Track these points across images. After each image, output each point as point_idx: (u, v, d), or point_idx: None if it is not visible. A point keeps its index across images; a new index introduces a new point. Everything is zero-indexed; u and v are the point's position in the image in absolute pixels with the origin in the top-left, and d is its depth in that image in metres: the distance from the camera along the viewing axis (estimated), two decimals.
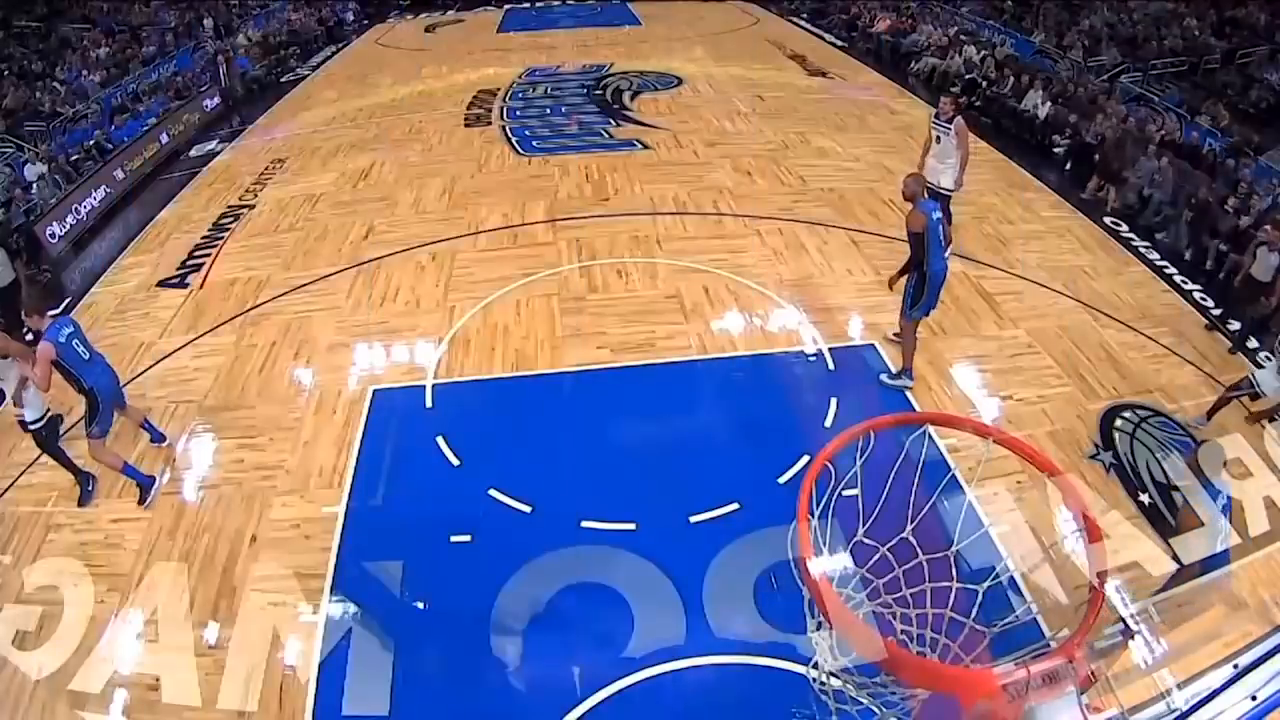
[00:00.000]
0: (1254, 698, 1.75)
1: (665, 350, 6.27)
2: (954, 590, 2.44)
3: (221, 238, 8.67)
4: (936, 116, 7.24)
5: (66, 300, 7.76)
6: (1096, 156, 9.75)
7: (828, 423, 5.44)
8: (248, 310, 7.13)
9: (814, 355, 6.21)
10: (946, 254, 5.48)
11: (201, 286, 7.67)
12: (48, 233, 8.89)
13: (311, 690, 3.86)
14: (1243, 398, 5.45)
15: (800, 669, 3.67)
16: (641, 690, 3.80)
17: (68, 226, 9.25)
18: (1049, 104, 11.18)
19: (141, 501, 5.04)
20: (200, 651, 4.06)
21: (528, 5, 22.30)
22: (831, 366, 6.08)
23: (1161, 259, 7.95)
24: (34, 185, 9.92)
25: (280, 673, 3.96)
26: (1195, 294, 7.31)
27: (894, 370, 5.91)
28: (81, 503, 5.09)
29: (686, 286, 7.09)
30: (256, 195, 9.80)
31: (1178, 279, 7.57)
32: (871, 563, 2.60)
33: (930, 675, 2.08)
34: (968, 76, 13.07)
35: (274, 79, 15.86)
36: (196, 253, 8.37)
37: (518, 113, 12.53)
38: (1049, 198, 9.29)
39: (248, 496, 5.06)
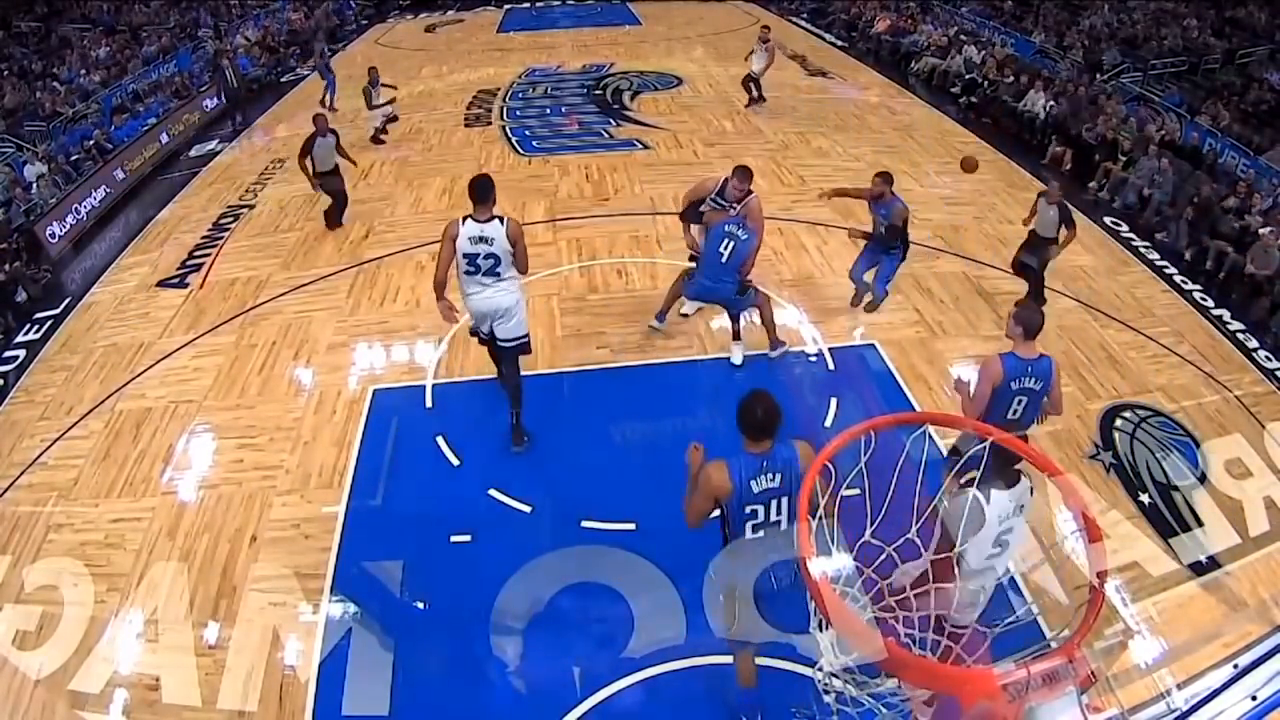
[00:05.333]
0: (1254, 698, 1.75)
1: (665, 350, 6.27)
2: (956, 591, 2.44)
3: (221, 238, 8.67)
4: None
5: (66, 300, 7.77)
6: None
7: (828, 423, 5.45)
8: (248, 310, 7.13)
9: (814, 355, 6.21)
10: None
11: (201, 286, 7.66)
12: (48, 233, 8.89)
13: (311, 690, 3.86)
14: None
15: (800, 669, 3.68)
16: (641, 690, 3.80)
17: (68, 226, 9.25)
18: (1049, 104, 11.18)
19: None
20: (200, 651, 4.06)
21: (528, 5, 22.29)
22: (831, 366, 6.08)
23: (1161, 259, 7.95)
24: (34, 185, 9.92)
25: (280, 673, 3.96)
26: (1195, 294, 7.32)
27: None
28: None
29: None
30: (256, 195, 9.80)
31: (1178, 279, 7.58)
32: (876, 564, 2.60)
33: (930, 675, 2.08)
34: (968, 76, 13.07)
35: (274, 79, 15.85)
36: (196, 253, 8.37)
37: (518, 113, 12.53)
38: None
39: (248, 496, 5.07)
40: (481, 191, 4.52)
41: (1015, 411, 4.02)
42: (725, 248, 5.38)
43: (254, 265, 7.96)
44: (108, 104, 12.96)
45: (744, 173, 5.63)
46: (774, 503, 3.03)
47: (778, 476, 3.01)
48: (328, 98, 13.09)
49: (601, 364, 6.13)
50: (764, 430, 3.03)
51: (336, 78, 13.31)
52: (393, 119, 11.53)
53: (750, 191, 5.64)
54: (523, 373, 5.19)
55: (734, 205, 5.63)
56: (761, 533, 3.06)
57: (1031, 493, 3.11)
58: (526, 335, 4.97)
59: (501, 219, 4.53)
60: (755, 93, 12.13)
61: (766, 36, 11.87)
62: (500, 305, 4.74)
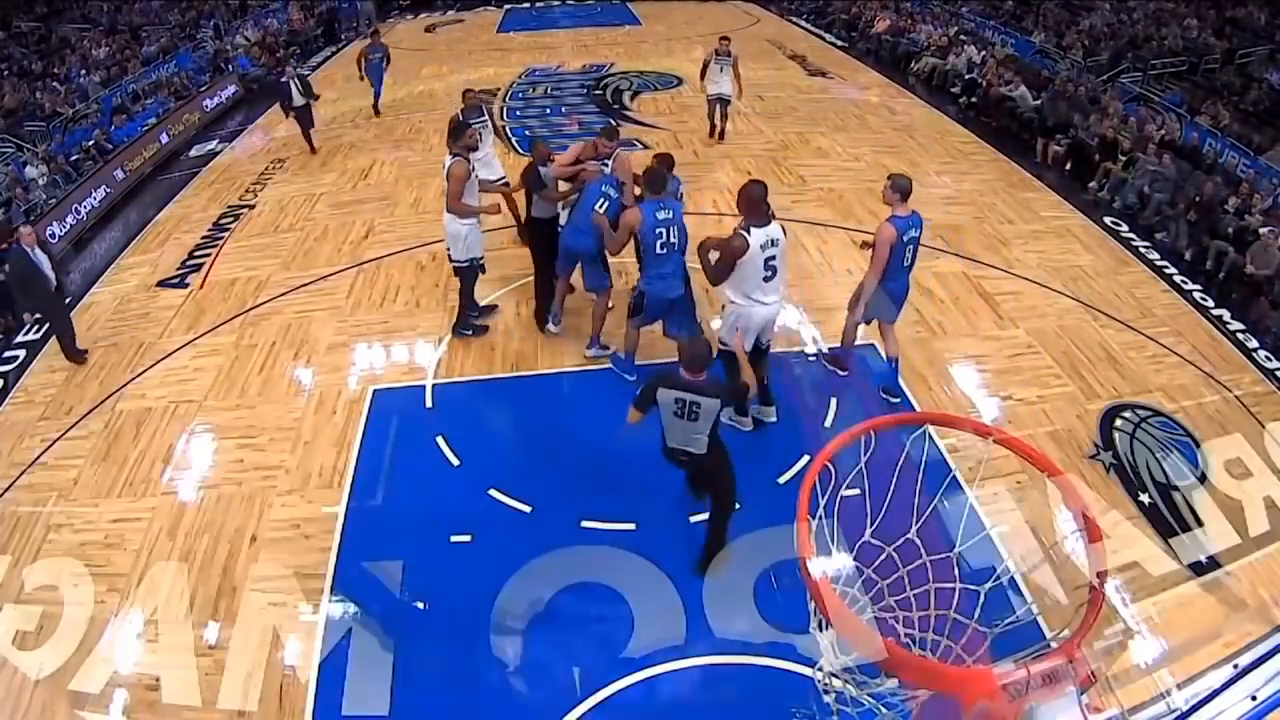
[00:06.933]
0: (1254, 698, 1.75)
1: (665, 350, 6.24)
2: (956, 591, 2.44)
3: (221, 238, 8.67)
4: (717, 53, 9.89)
5: (66, 300, 7.76)
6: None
7: (828, 423, 5.45)
8: (248, 310, 7.13)
9: (814, 355, 6.21)
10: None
11: (201, 286, 7.67)
12: (48, 233, 8.88)
13: (311, 690, 3.87)
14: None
15: (800, 669, 3.68)
16: (641, 690, 3.81)
17: (68, 226, 9.24)
18: (1038, 99, 11.16)
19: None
20: (200, 651, 4.06)
21: (528, 5, 22.28)
22: (831, 366, 6.07)
23: (1161, 259, 7.95)
24: (33, 185, 9.91)
25: (280, 673, 3.96)
26: (1195, 294, 7.31)
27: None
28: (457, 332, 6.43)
29: None
30: (256, 195, 9.80)
31: (1178, 279, 7.57)
32: (876, 564, 2.60)
33: (930, 675, 2.08)
34: (968, 76, 13.06)
35: (274, 79, 15.82)
36: (196, 253, 8.37)
37: (518, 113, 12.53)
38: (1049, 198, 9.28)
39: (248, 496, 5.07)
40: (449, 129, 6.03)
41: (907, 259, 5.24)
42: (600, 206, 5.57)
43: (254, 265, 7.96)
44: (108, 104, 12.95)
45: (610, 132, 6.33)
46: (670, 229, 5.11)
47: (670, 212, 5.12)
48: (376, 102, 12.54)
49: (602, 364, 6.13)
50: (662, 185, 5.14)
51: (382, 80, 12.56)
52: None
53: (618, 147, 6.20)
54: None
55: (606, 162, 6.02)
56: (665, 250, 5.15)
57: (784, 232, 4.75)
58: (465, 261, 6.02)
59: (455, 156, 5.63)
60: (720, 124, 10.43)
61: (728, 49, 9.90)
62: (446, 227, 5.93)
